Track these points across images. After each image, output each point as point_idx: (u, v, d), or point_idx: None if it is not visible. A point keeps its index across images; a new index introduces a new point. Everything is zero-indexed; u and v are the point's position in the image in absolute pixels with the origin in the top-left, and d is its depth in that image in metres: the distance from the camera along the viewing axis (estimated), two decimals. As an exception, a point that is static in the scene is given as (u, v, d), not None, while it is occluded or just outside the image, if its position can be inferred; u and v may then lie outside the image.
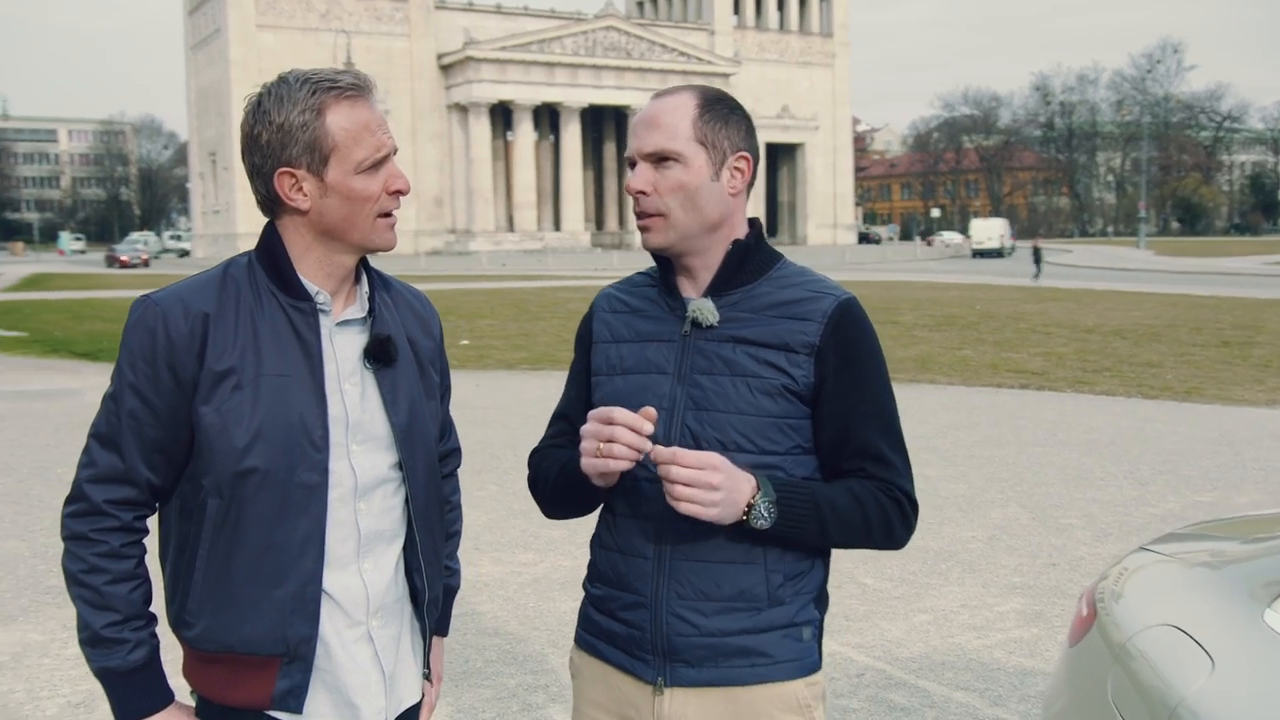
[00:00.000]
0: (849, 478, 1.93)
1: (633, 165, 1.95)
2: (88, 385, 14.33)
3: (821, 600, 1.99)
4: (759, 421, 1.89)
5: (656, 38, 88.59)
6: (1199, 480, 8.44)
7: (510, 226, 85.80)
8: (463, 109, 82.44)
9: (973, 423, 11.07)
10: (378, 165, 1.83)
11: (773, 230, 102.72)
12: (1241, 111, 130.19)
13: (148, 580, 1.89)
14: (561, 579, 6.06)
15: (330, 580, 1.86)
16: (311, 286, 1.87)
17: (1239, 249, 72.94)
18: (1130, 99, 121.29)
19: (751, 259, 1.96)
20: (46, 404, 12.35)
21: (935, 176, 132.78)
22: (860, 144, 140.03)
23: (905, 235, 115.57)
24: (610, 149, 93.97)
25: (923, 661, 4.86)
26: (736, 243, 1.96)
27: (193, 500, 1.83)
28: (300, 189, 1.82)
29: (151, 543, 1.92)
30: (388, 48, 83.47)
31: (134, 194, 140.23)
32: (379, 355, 1.90)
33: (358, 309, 1.92)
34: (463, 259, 69.79)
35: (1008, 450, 9.61)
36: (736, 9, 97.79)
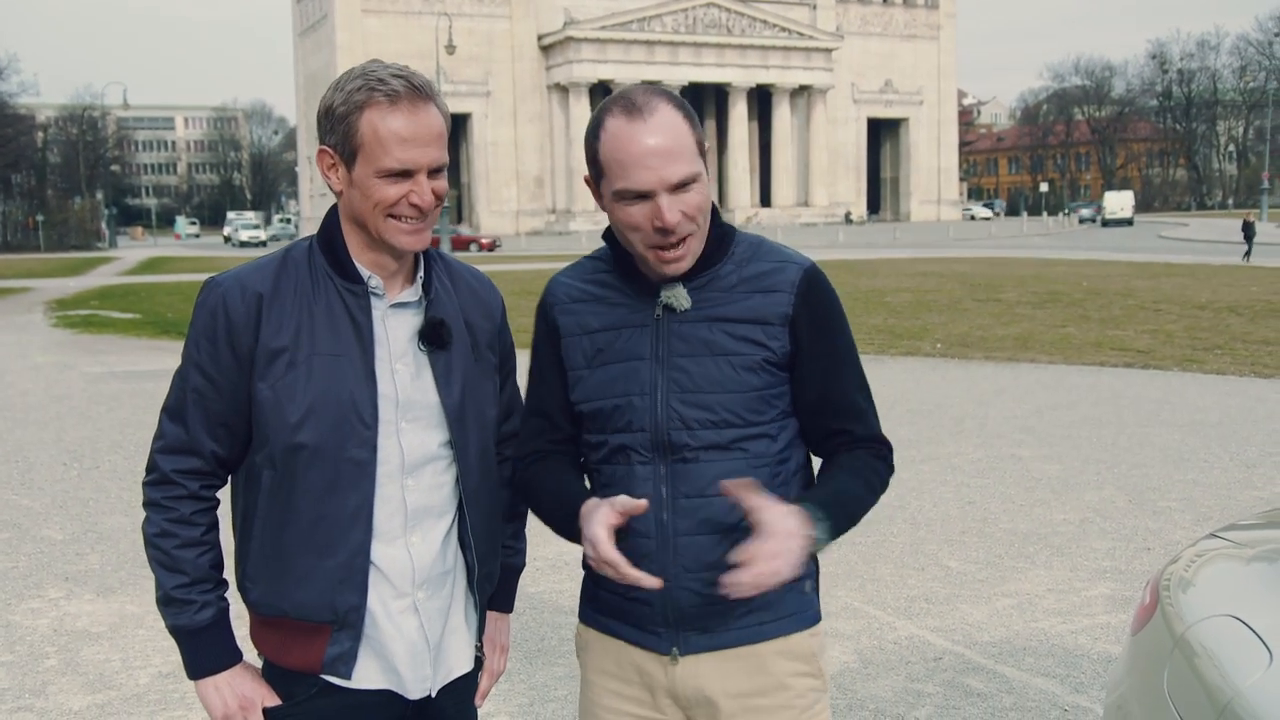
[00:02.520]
0: (839, 448, 2.02)
1: (638, 196, 1.85)
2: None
3: (815, 557, 2.01)
4: (745, 397, 1.93)
5: (757, 14, 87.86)
6: (1309, 463, 8.08)
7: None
8: (563, 89, 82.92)
9: (1072, 402, 10.77)
10: (402, 175, 1.85)
11: (875, 207, 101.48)
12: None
13: (217, 547, 1.98)
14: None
15: (378, 552, 1.94)
16: (364, 271, 1.93)
17: (1369, 221, 69.53)
18: (1255, 64, 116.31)
19: (720, 245, 1.97)
20: (156, 384, 12.79)
21: (1044, 150, 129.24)
22: (966, 118, 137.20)
23: (1012, 210, 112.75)
24: (710, 126, 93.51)
25: (1003, 646, 4.75)
26: (713, 229, 1.96)
27: (252, 472, 1.94)
28: (335, 170, 1.90)
29: (224, 512, 2.01)
30: (489, 29, 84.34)
31: (245, 178, 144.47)
32: (431, 338, 1.96)
33: (412, 293, 1.98)
34: (563, 239, 70.32)
35: (1107, 430, 9.33)
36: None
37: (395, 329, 1.95)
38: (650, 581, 1.82)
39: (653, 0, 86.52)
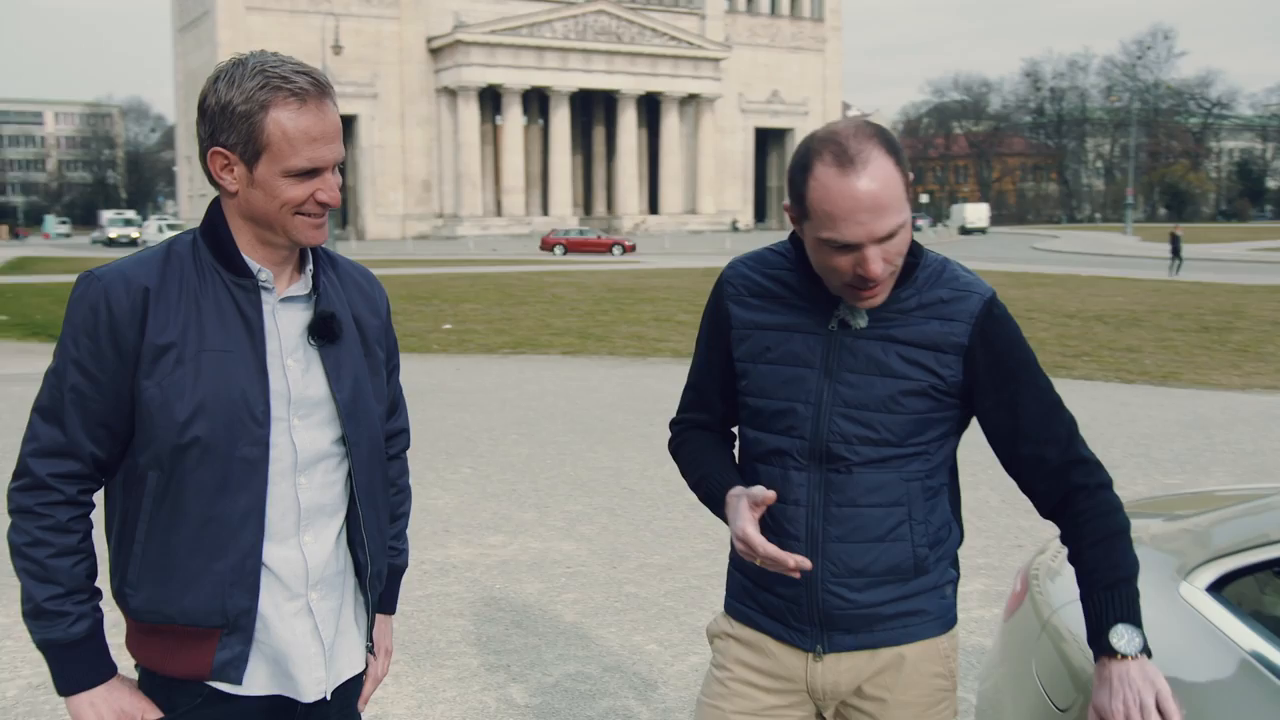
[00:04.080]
0: (1052, 491, 2.01)
1: (844, 247, 1.85)
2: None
3: (956, 560, 2.11)
4: (906, 419, 1.96)
5: (647, 22, 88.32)
6: (1169, 464, 8.49)
7: (498, 211, 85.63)
8: (451, 93, 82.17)
9: (950, 407, 11.10)
10: (309, 174, 1.82)
11: (761, 215, 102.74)
12: (1230, 98, 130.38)
13: (92, 555, 1.90)
14: (530, 561, 6.08)
15: (270, 553, 1.88)
16: (254, 264, 1.88)
17: (1226, 235, 73.08)
18: (1120, 85, 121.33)
19: (904, 267, 1.96)
20: (25, 388, 12.31)
21: (925, 162, 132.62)
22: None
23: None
24: (599, 133, 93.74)
25: (884, 641, 4.88)
26: (906, 260, 1.94)
27: (133, 474, 1.85)
28: (231, 171, 1.83)
29: (97, 517, 1.93)
30: (377, 30, 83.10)
31: (120, 177, 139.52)
32: (322, 332, 1.92)
33: (301, 286, 1.93)
34: (450, 244, 69.64)
35: (979, 433, 9.61)
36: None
37: (285, 323, 1.91)
38: (802, 561, 1.87)
39: (543, 6, 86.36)
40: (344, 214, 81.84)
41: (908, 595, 2.01)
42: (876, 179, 1.79)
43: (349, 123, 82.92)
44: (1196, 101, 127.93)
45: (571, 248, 55.20)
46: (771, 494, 1.92)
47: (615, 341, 17.30)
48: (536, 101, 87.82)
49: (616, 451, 9.08)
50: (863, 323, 1.94)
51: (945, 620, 2.07)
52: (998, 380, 1.95)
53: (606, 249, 54.89)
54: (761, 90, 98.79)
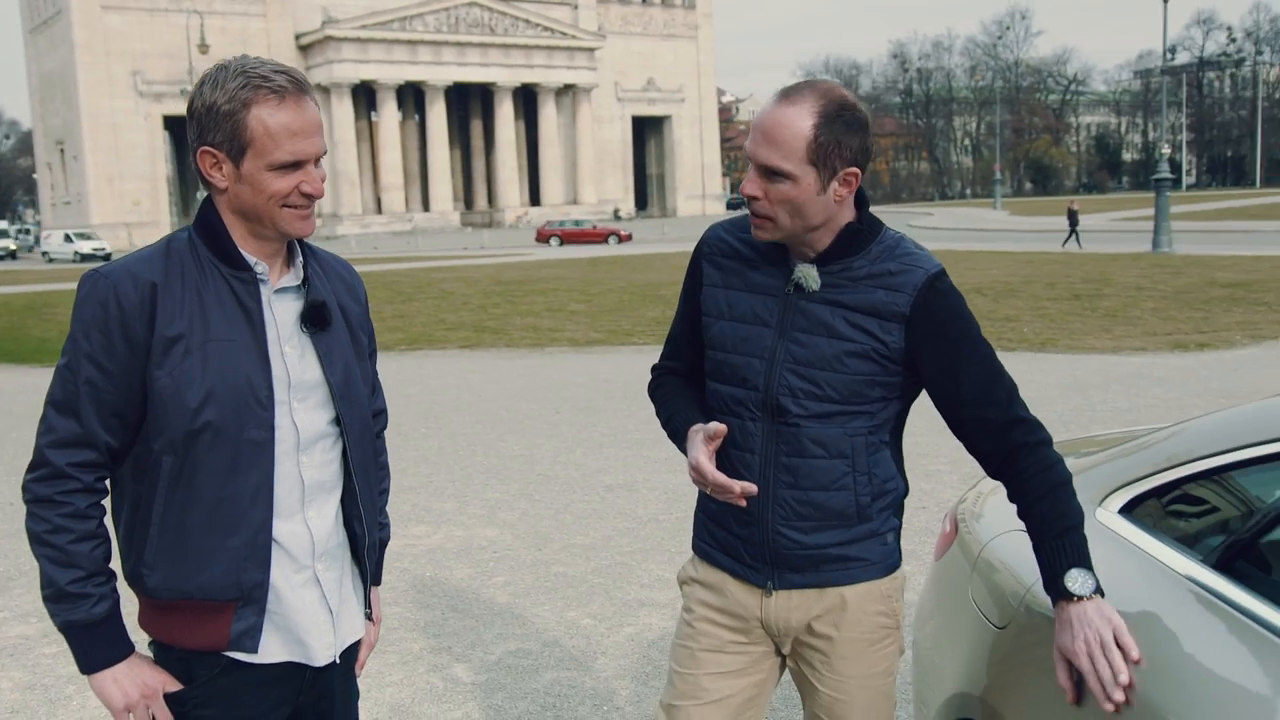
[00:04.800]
0: (995, 452, 2.14)
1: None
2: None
3: (899, 509, 2.31)
4: (849, 379, 2.14)
5: (520, 13, 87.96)
6: (1054, 423, 8.96)
7: (378, 208, 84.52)
8: (324, 90, 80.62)
9: (844, 381, 11.49)
10: (293, 167, 1.94)
11: (642, 203, 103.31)
12: (1086, 75, 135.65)
13: (108, 539, 2.00)
14: (455, 548, 6.20)
15: (278, 529, 2.02)
16: (250, 258, 2.00)
17: (1088, 207, 75.94)
18: (983, 65, 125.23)
19: (855, 240, 2.16)
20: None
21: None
22: (726, 115, 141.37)
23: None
24: (477, 127, 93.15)
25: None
26: (848, 227, 2.16)
27: (145, 460, 1.96)
28: (220, 169, 1.95)
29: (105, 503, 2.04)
30: (243, 28, 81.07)
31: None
32: (315, 320, 2.05)
33: (292, 277, 2.07)
34: (330, 244, 68.50)
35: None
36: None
37: (281, 313, 2.04)
38: (748, 487, 2.09)
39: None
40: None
41: (851, 540, 2.21)
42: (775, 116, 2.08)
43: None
44: (1054, 79, 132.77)
45: (567, 239, 55.80)
46: (723, 428, 2.15)
47: (511, 334, 17.38)
48: (412, 97, 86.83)
49: (526, 440, 9.22)
50: (815, 285, 2.14)
51: (887, 565, 2.28)
52: (940, 349, 2.12)
53: (603, 239, 56.09)
54: (637, 79, 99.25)
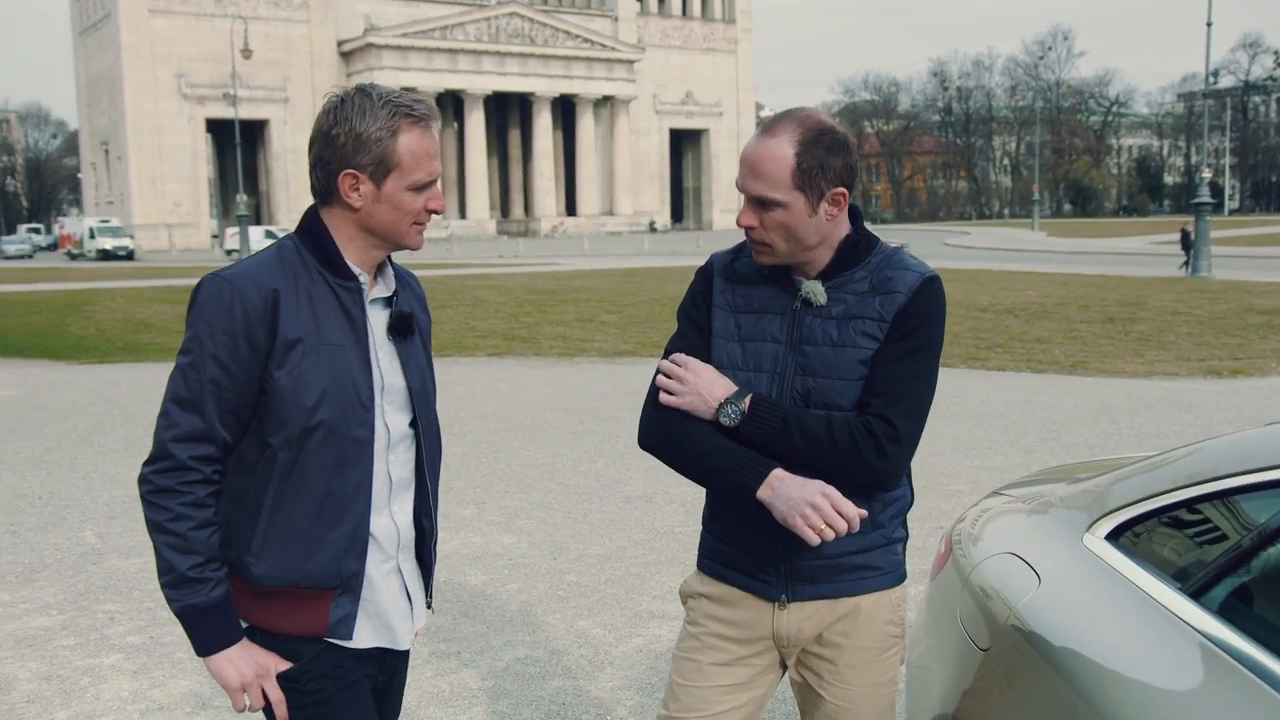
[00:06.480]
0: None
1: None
2: (-17, 380, 14.06)
3: (905, 523, 2.37)
4: (857, 384, 2.20)
5: (560, 24, 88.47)
6: (1079, 447, 8.92)
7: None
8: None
9: (870, 398, 11.46)
10: (427, 185, 2.12)
11: (678, 215, 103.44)
12: (1128, 97, 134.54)
13: (219, 527, 2.12)
14: (472, 554, 6.24)
15: (372, 522, 2.17)
16: (354, 269, 2.16)
17: (1127, 230, 75.47)
18: (1023, 85, 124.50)
19: (855, 252, 2.25)
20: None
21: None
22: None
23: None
24: (514, 136, 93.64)
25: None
26: (845, 240, 2.24)
27: (256, 456, 2.10)
28: (357, 190, 2.11)
29: None
30: (286, 34, 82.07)
31: (21, 185, 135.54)
32: (402, 329, 2.22)
33: (383, 288, 2.23)
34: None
35: (957, 435, 9.97)
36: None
37: (374, 321, 2.19)
38: (862, 511, 2.11)
39: (456, 8, 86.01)
40: (257, 218, 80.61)
41: (865, 549, 2.27)
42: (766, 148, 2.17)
43: (260, 127, 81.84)
44: (1096, 100, 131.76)
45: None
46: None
47: (541, 343, 17.45)
48: (451, 105, 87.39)
49: (549, 449, 9.26)
50: (822, 299, 2.22)
51: (896, 575, 2.34)
52: (895, 336, 2.18)
53: None
54: (675, 92, 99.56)
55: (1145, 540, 2.18)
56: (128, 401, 12.07)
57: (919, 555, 6.03)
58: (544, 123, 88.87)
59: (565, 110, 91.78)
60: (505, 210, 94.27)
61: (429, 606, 2.38)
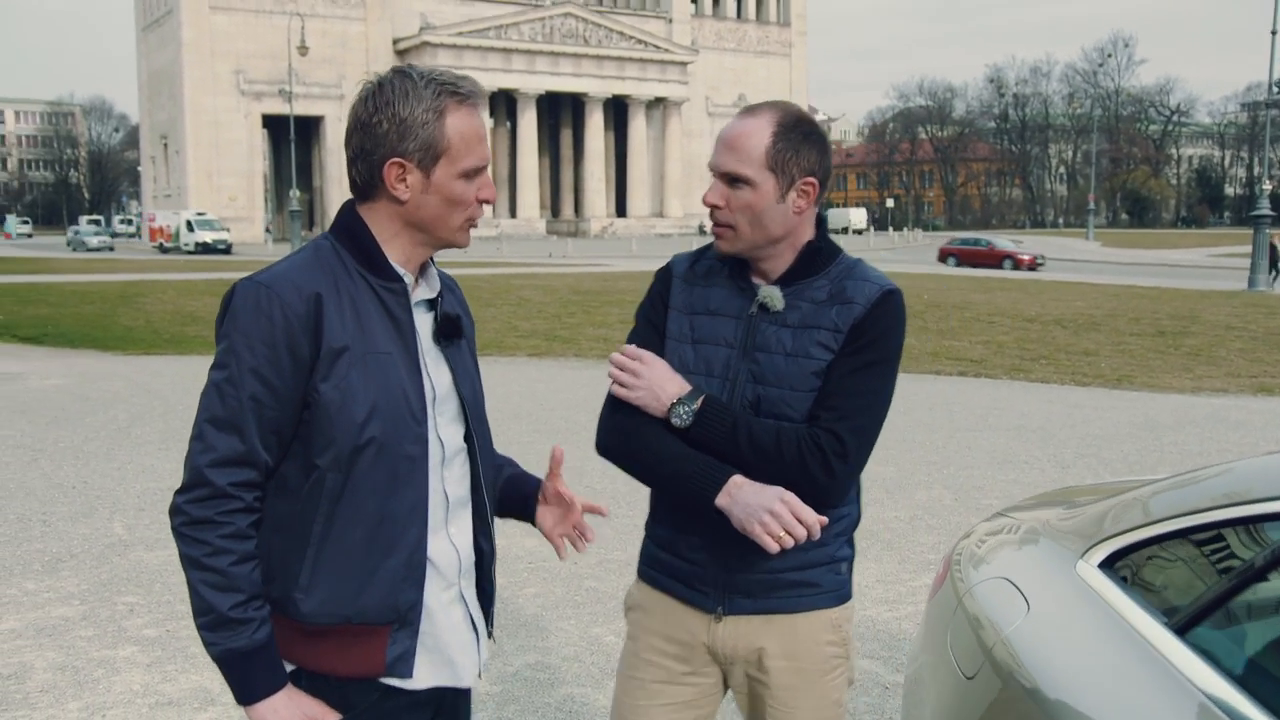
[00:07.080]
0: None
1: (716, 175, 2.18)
2: (30, 370, 14.30)
3: (852, 541, 2.28)
4: (809, 395, 2.14)
5: (614, 25, 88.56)
6: (1118, 463, 8.74)
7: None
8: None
9: (908, 409, 11.30)
10: (477, 172, 1.92)
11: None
12: (1189, 106, 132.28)
13: (261, 559, 1.89)
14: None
15: (429, 546, 1.94)
16: (398, 269, 1.94)
17: (1185, 241, 74.27)
18: (1081, 92, 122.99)
19: (816, 259, 2.20)
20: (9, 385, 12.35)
21: (890, 167, 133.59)
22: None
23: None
24: (566, 136, 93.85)
25: (834, 632, 5.07)
26: (808, 245, 2.20)
27: (300, 479, 1.87)
28: (404, 180, 1.89)
29: None
30: (343, 31, 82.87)
31: (83, 177, 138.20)
32: (450, 332, 2.01)
33: (427, 289, 2.01)
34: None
35: (939, 435, 9.87)
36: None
37: (420, 326, 1.98)
38: (822, 519, 2.05)
39: (510, 8, 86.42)
40: (310, 215, 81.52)
41: (806, 566, 2.19)
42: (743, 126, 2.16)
43: (315, 124, 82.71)
44: (1156, 109, 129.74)
45: (964, 259, 46.59)
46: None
47: (581, 344, 17.46)
48: (504, 104, 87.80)
49: (580, 451, 9.18)
50: (779, 305, 2.16)
51: (839, 594, 2.25)
52: (850, 349, 2.12)
53: (997, 262, 44.93)
54: (728, 94, 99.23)
55: (1137, 570, 2.10)
56: (169, 393, 12.21)
57: (931, 571, 5.93)
58: (596, 123, 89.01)
59: (617, 111, 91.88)
60: (555, 210, 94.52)
61: (490, 635, 2.13)
